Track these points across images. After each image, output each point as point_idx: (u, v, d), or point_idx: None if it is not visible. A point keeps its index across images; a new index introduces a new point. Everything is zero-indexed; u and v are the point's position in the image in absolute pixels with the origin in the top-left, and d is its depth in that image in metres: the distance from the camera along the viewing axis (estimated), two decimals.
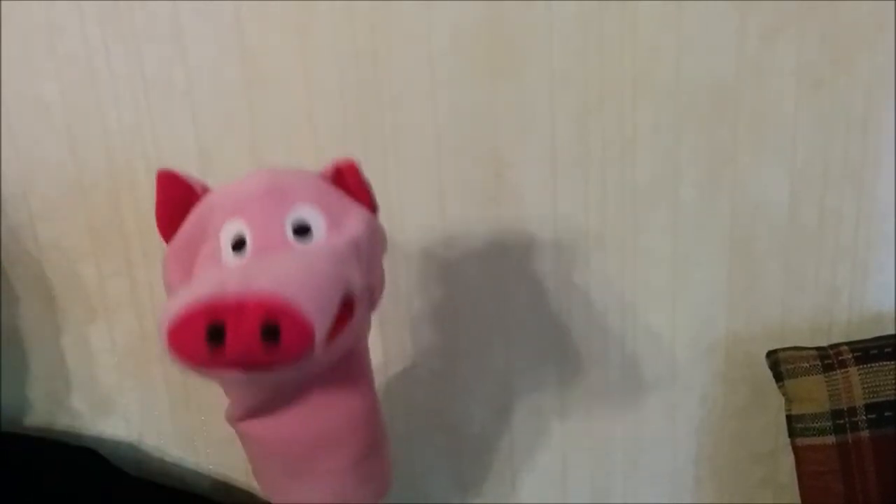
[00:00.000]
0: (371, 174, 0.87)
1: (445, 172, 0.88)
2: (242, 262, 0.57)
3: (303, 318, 0.48)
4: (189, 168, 0.88)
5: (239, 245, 0.58)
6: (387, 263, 0.90)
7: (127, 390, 0.98)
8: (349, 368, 0.66)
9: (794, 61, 0.84)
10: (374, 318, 0.92)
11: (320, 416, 0.65)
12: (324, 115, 0.87)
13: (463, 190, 0.89)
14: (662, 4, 0.82)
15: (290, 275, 0.51)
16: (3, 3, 0.86)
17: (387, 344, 0.94)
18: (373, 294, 0.66)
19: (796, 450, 0.82)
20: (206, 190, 0.64)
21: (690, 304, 0.92)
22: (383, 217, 0.89)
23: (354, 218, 0.62)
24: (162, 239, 0.64)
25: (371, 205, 0.66)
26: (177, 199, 0.62)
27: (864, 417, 0.79)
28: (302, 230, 0.59)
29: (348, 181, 0.64)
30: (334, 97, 0.86)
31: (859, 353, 0.81)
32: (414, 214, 0.90)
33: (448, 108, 0.86)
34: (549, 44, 0.84)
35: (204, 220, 0.61)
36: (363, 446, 0.68)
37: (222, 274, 0.53)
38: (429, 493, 1.00)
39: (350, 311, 0.58)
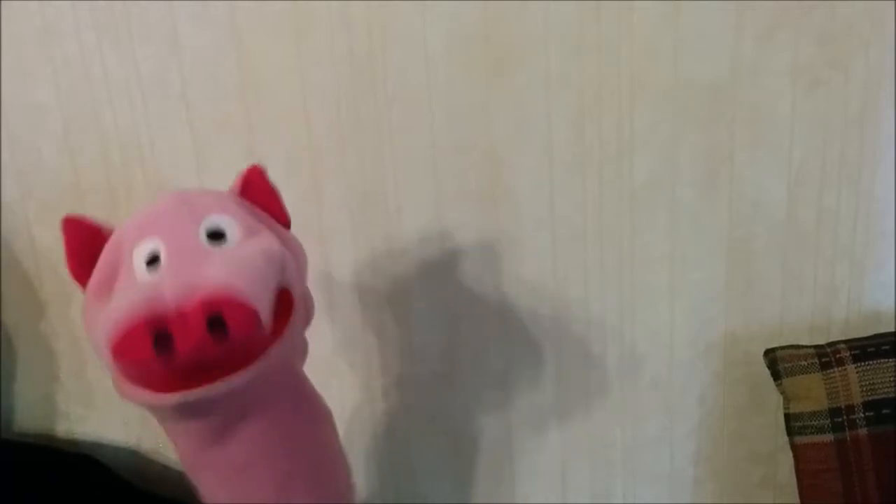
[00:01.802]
0: (368, 176, 0.88)
1: (442, 174, 0.88)
2: (163, 267, 0.55)
3: (244, 301, 0.48)
4: (185, 171, 0.89)
5: (153, 261, 0.57)
6: (386, 264, 0.91)
7: None
8: (293, 381, 0.63)
9: (790, 61, 0.84)
10: (374, 320, 0.93)
11: (285, 430, 0.62)
12: (320, 116, 0.87)
13: (460, 191, 0.89)
14: (659, 5, 0.82)
15: (220, 267, 0.51)
16: None
17: (385, 346, 0.94)
18: (306, 304, 0.64)
19: (794, 448, 0.82)
20: (112, 230, 0.63)
21: (688, 303, 0.91)
22: (381, 218, 0.90)
23: (268, 230, 0.61)
24: (78, 285, 0.62)
25: (281, 213, 0.65)
26: (85, 243, 0.61)
27: (861, 415, 0.79)
28: (216, 236, 0.58)
29: (256, 188, 0.63)
30: (330, 99, 0.86)
31: (857, 351, 0.81)
32: (411, 216, 0.90)
33: (445, 109, 0.86)
34: (545, 44, 0.84)
35: (114, 253, 0.60)
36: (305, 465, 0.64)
37: (149, 285, 0.51)
38: (428, 494, 0.99)
39: (289, 307, 0.57)
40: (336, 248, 0.91)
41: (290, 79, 0.86)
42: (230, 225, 0.59)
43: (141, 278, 0.55)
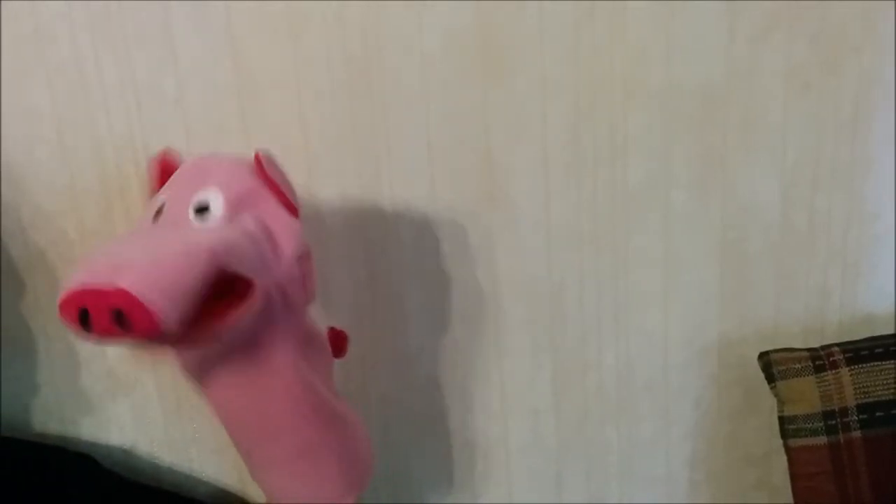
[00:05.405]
0: (364, 179, 0.88)
1: (438, 177, 0.88)
2: (113, 244, 0.62)
3: (144, 305, 0.54)
4: None
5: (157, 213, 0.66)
6: (381, 267, 0.91)
7: (119, 398, 0.98)
8: (266, 361, 0.68)
9: (783, 63, 0.84)
10: (369, 323, 0.93)
11: (251, 400, 0.69)
12: (315, 121, 0.87)
13: (456, 194, 0.89)
14: (652, 7, 0.82)
15: (137, 265, 0.57)
16: None
17: (383, 349, 0.94)
18: (285, 291, 0.67)
19: (788, 451, 0.82)
20: None
21: (683, 306, 0.92)
22: (376, 222, 0.90)
23: (262, 211, 0.67)
24: None
25: (284, 198, 0.68)
26: (161, 175, 0.71)
27: (855, 418, 0.79)
28: (202, 210, 0.64)
29: (263, 173, 0.68)
30: (326, 103, 0.87)
31: (850, 354, 0.81)
32: (406, 219, 0.90)
33: (440, 112, 0.86)
34: (539, 47, 0.84)
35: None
36: (297, 444, 0.70)
37: (96, 261, 0.58)
38: (425, 497, 0.99)
39: (243, 293, 0.62)
40: (331, 250, 0.91)
41: (285, 81, 0.86)
42: (217, 202, 0.64)
43: (145, 220, 0.66)
